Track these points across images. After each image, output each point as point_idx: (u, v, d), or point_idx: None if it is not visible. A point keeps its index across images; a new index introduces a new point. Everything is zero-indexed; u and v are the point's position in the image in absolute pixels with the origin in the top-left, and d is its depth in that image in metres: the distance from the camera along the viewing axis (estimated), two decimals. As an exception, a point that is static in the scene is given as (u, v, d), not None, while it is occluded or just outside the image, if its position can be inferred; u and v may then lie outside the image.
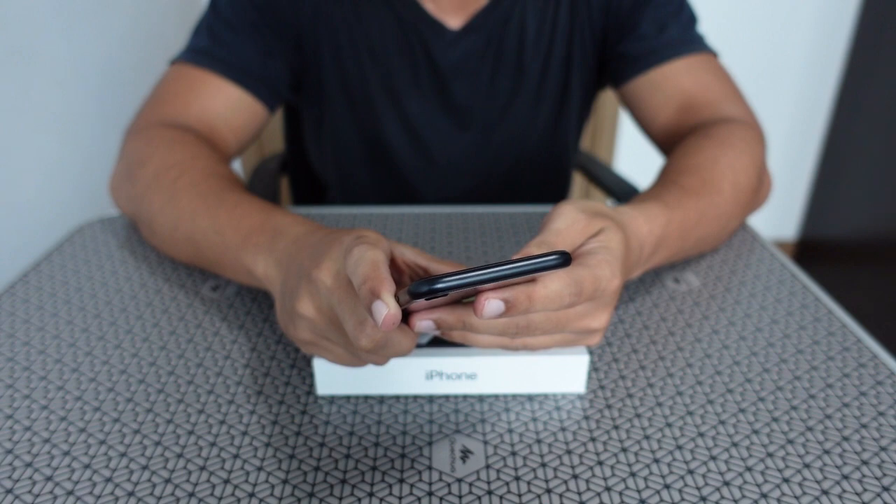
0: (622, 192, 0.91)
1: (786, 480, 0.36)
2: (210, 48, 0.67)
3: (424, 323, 0.33)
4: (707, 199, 0.53)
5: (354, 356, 0.37)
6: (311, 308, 0.37)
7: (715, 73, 0.70)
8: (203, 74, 0.67)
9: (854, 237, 1.81)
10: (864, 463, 0.37)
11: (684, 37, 0.71)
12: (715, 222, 0.55)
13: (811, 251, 2.04)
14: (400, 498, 0.35)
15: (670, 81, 0.70)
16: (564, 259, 0.28)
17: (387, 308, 0.29)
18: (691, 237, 0.53)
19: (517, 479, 0.36)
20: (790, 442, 0.38)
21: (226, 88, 0.67)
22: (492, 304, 0.30)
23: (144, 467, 0.37)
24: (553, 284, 0.32)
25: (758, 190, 0.61)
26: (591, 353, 0.46)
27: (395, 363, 0.40)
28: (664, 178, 0.54)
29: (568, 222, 0.38)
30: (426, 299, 0.28)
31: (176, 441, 0.38)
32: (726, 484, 0.35)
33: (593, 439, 0.38)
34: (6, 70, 0.91)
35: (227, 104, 0.67)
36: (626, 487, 0.35)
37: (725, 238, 0.60)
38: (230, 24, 0.68)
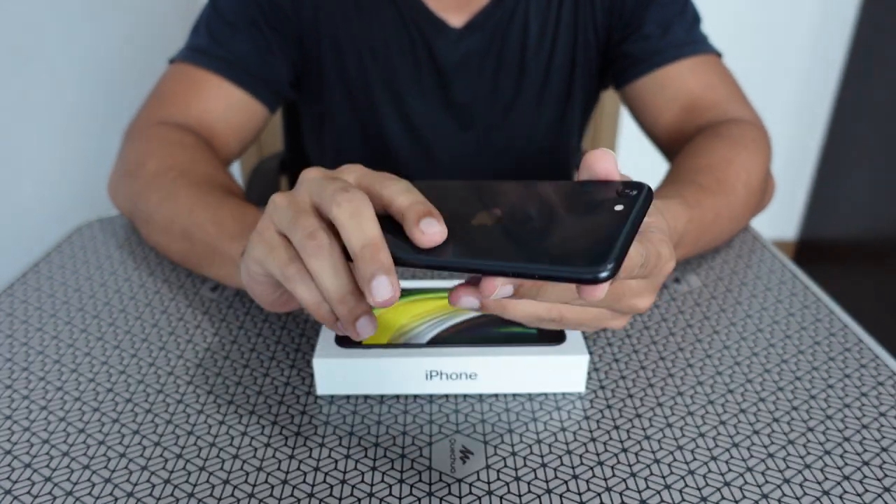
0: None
1: (787, 481, 0.36)
2: (209, 47, 0.67)
3: (470, 300, 0.31)
4: (723, 199, 0.53)
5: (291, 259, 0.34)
6: (270, 219, 0.34)
7: (719, 74, 0.70)
8: (203, 74, 0.66)
9: (854, 237, 1.81)
10: (866, 464, 0.37)
11: (689, 37, 0.70)
12: (727, 222, 0.55)
13: (811, 251, 2.03)
14: (400, 498, 0.34)
15: (675, 82, 0.70)
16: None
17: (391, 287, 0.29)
18: (706, 236, 0.53)
19: (517, 479, 0.36)
20: (791, 442, 0.38)
21: (226, 89, 0.67)
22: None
23: (144, 468, 0.36)
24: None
25: (764, 192, 0.61)
26: (590, 353, 0.46)
27: (394, 363, 0.40)
28: (681, 177, 0.54)
29: None
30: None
31: (175, 441, 0.38)
32: (727, 484, 0.35)
33: (593, 439, 0.38)
34: (6, 70, 0.91)
35: (227, 104, 0.67)
36: (627, 488, 0.35)
37: (730, 239, 0.60)
38: (230, 23, 0.68)
